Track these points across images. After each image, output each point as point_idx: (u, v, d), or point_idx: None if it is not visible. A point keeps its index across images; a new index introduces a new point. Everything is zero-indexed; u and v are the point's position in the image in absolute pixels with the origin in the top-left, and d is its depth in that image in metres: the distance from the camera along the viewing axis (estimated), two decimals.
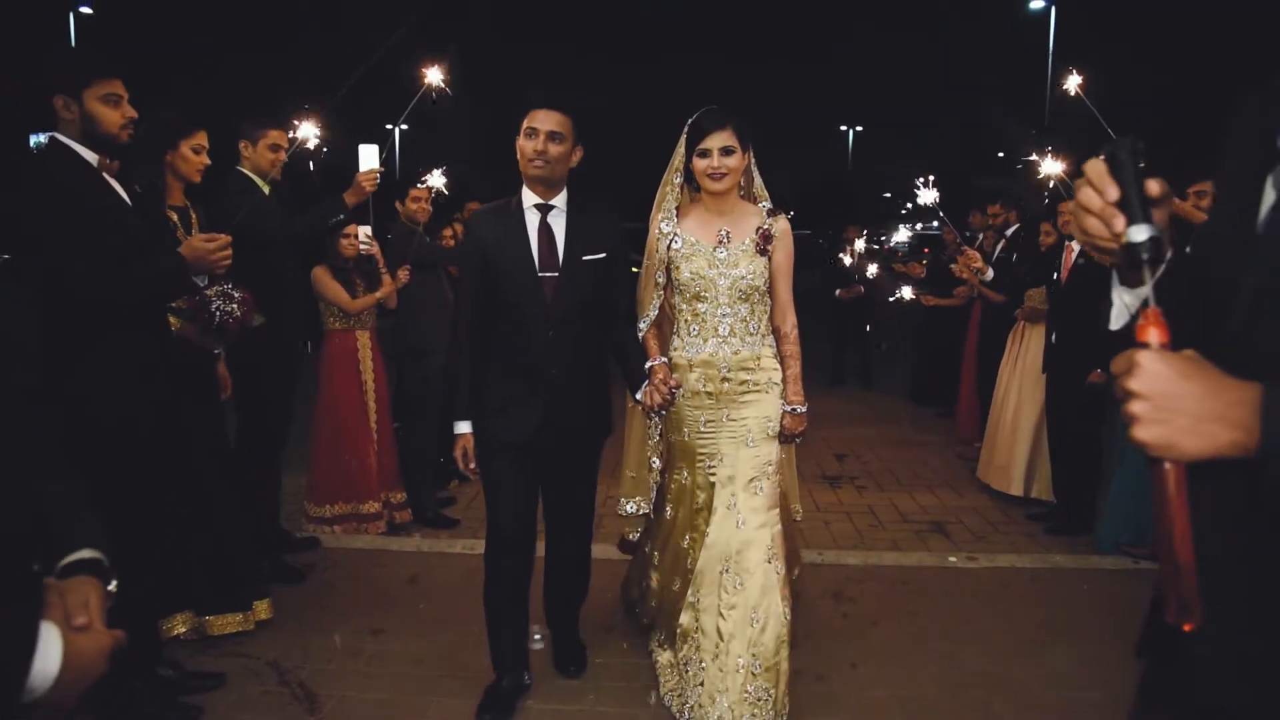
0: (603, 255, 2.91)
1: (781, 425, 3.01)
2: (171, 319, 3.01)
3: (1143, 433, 0.90)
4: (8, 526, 1.09)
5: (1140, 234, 0.99)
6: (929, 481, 5.96)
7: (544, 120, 2.75)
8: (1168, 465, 0.91)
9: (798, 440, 3.08)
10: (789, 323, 3.09)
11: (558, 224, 2.88)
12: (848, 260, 8.70)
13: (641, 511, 3.29)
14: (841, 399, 8.78)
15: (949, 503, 5.48)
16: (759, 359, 3.01)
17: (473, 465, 2.88)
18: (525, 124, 2.78)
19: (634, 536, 3.51)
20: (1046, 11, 23.37)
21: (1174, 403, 0.89)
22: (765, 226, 3.00)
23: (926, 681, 3.16)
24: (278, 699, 3.01)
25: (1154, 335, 0.93)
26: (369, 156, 3.70)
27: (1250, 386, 0.89)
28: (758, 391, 2.99)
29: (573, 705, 3.00)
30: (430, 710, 2.94)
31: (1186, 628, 0.89)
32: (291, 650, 3.33)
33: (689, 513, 3.07)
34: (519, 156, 2.81)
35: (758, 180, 3.14)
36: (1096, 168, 1.05)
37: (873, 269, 8.27)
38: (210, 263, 2.66)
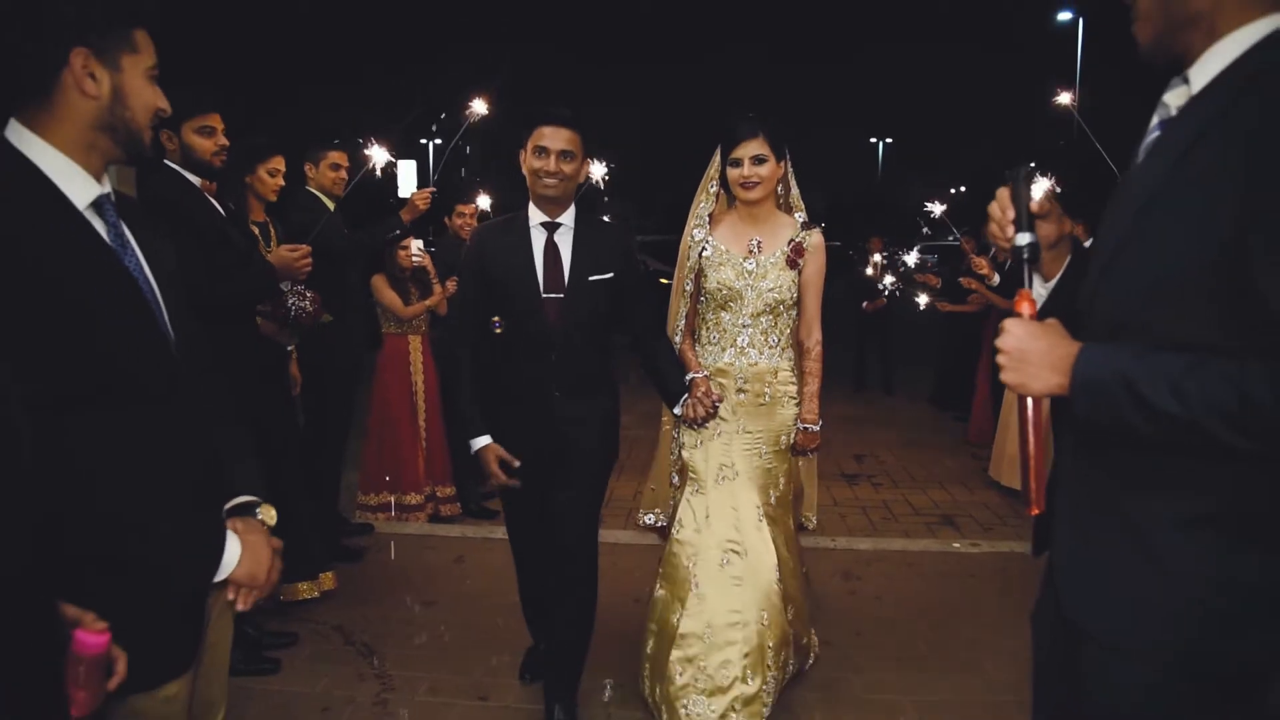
0: (610, 275, 2.82)
1: (794, 440, 3.02)
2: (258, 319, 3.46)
3: (1005, 376, 1.29)
4: (207, 456, 1.50)
5: (1023, 240, 1.40)
6: (942, 479, 6.26)
7: (553, 139, 2.68)
8: (1029, 400, 1.29)
9: (810, 454, 3.12)
10: (813, 338, 3.05)
11: (564, 242, 2.80)
12: (869, 271, 9.03)
13: (660, 524, 3.26)
14: (863, 404, 9.09)
15: (960, 498, 5.78)
16: (776, 372, 2.99)
17: (517, 464, 2.75)
18: (533, 142, 2.70)
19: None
20: (1074, 23, 23.58)
21: (1025, 356, 1.27)
22: (798, 239, 2.97)
23: (923, 646, 3.49)
24: (344, 655, 3.41)
25: (1024, 308, 1.32)
26: (407, 172, 4.11)
27: (1076, 344, 1.26)
28: (773, 403, 2.99)
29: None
30: (479, 667, 3.31)
31: (1033, 512, 1.27)
32: (354, 616, 3.74)
33: (697, 532, 2.97)
34: (527, 174, 2.75)
35: (794, 190, 3.11)
36: (1003, 192, 1.44)
37: (889, 279, 8.60)
38: (295, 270, 3.10)
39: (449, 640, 3.55)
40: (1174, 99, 1.32)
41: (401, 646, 3.48)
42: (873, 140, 46.93)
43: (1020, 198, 1.40)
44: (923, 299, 7.44)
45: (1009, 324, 1.30)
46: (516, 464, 2.77)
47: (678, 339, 3.08)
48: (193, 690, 1.48)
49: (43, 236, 1.29)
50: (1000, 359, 1.29)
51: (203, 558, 1.36)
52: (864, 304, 9.47)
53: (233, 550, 1.39)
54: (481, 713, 3.04)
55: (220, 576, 1.37)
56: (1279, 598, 1.19)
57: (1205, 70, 1.26)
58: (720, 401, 2.92)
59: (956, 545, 4.67)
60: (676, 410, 2.96)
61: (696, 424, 2.93)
